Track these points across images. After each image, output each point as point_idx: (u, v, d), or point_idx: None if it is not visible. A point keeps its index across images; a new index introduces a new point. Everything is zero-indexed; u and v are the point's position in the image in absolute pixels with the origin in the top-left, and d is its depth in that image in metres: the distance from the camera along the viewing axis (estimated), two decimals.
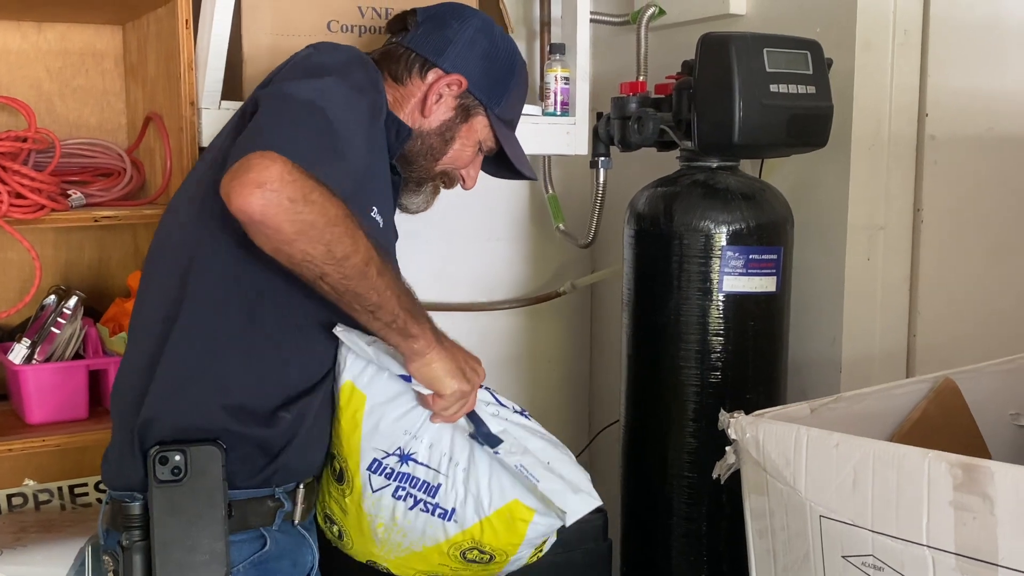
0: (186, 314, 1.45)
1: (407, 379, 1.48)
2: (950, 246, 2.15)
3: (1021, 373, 1.77)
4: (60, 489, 2.17)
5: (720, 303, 1.96)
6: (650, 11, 2.43)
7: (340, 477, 1.56)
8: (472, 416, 1.52)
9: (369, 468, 1.51)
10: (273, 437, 1.48)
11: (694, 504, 2.01)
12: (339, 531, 1.62)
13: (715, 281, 1.96)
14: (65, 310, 1.94)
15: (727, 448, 1.48)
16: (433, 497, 1.51)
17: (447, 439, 1.51)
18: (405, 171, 1.70)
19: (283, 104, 1.39)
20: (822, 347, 2.18)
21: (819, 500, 1.35)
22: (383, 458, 1.51)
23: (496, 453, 1.49)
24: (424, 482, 1.51)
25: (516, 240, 2.80)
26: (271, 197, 1.25)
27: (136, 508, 1.44)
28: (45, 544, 1.92)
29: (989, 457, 1.67)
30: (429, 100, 1.66)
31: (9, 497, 2.12)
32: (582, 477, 1.53)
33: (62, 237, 2.18)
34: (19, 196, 1.79)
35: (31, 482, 2.15)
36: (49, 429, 1.92)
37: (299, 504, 1.53)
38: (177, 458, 1.41)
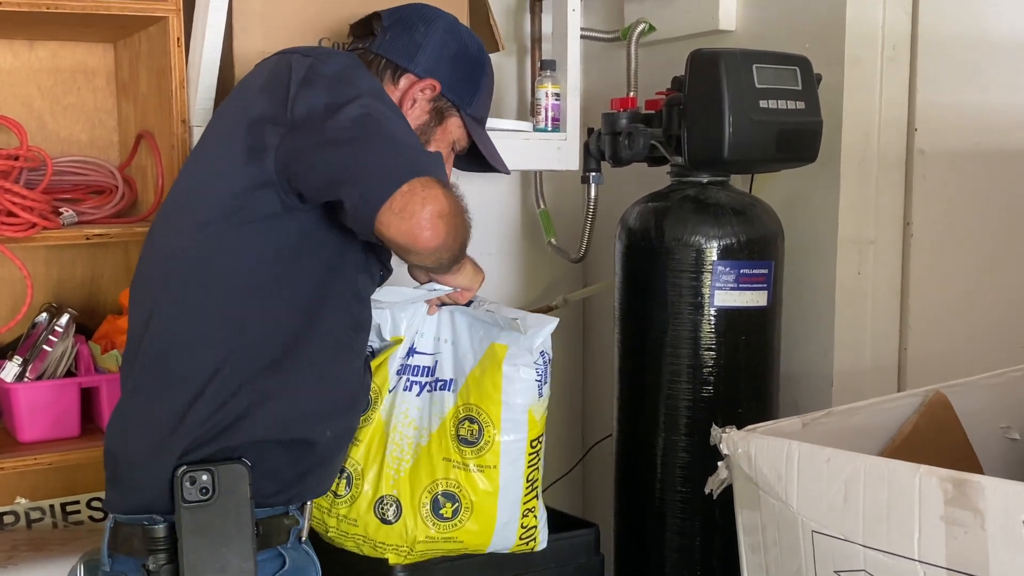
0: (234, 339, 1.44)
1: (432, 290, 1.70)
2: (940, 259, 2.16)
3: (1012, 386, 1.78)
4: (52, 507, 2.17)
5: (712, 318, 1.97)
6: (640, 27, 2.45)
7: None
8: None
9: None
10: (309, 456, 1.48)
11: (687, 519, 2.01)
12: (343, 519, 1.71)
13: (706, 296, 1.96)
14: (57, 327, 1.94)
15: (719, 463, 1.48)
16: (432, 376, 1.75)
17: (435, 324, 1.77)
18: None
19: (367, 129, 1.40)
20: (814, 361, 2.19)
21: (811, 515, 1.35)
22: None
23: (471, 307, 1.75)
24: (425, 367, 1.75)
25: (508, 255, 2.80)
26: (453, 222, 1.37)
27: (161, 530, 1.42)
28: (37, 562, 1.91)
29: (981, 471, 1.67)
30: (404, 106, 1.65)
31: (1, 515, 2.12)
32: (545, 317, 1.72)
33: (54, 254, 2.18)
34: (10, 214, 1.79)
35: (23, 500, 2.14)
36: (41, 447, 1.92)
37: (306, 520, 1.54)
38: (205, 478, 1.39)
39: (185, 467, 1.39)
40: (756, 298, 1.99)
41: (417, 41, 1.67)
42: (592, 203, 2.40)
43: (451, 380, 1.74)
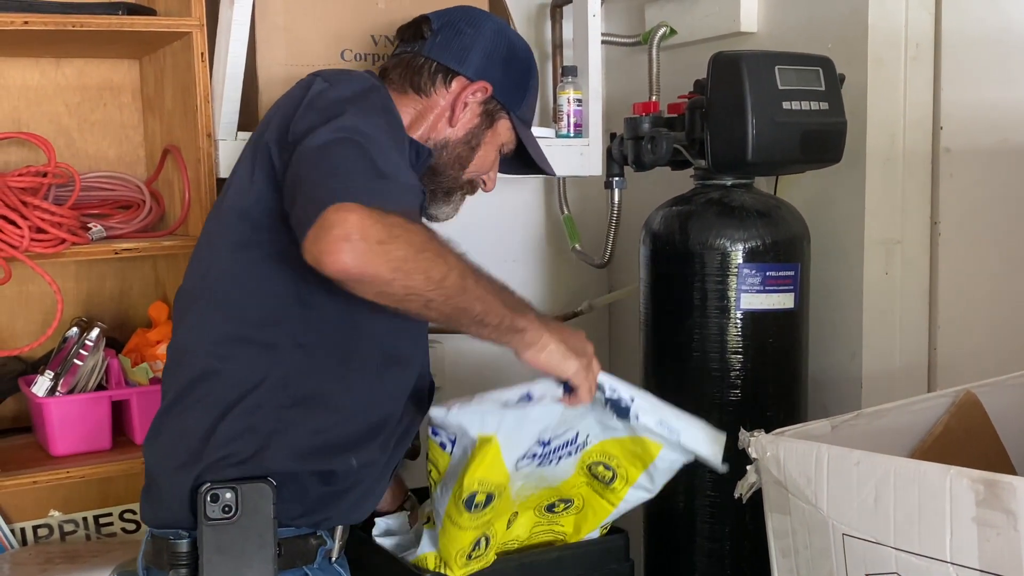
0: (263, 365, 1.44)
1: (528, 398, 1.51)
2: (968, 258, 2.14)
3: None
4: (85, 520, 2.19)
5: (738, 321, 1.96)
6: (661, 31, 2.44)
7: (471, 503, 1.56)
8: (600, 387, 1.56)
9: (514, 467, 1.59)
10: (335, 483, 1.47)
11: (716, 524, 2.00)
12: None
13: (732, 299, 1.96)
14: (87, 342, 1.96)
15: (748, 467, 1.47)
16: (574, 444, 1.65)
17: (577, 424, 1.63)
18: (432, 184, 1.67)
19: (322, 155, 1.36)
20: (842, 363, 2.18)
21: (841, 518, 1.34)
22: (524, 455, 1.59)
23: (631, 419, 1.59)
24: (563, 443, 1.64)
25: (533, 261, 2.80)
26: (360, 247, 1.24)
27: (184, 546, 1.42)
28: (71, 574, 1.93)
29: (1013, 471, 1.65)
30: (456, 110, 1.65)
31: (35, 528, 2.14)
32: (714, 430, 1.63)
33: (83, 269, 2.21)
34: (40, 231, 1.81)
35: (56, 513, 2.16)
36: (73, 460, 1.94)
37: (338, 541, 1.53)
38: (228, 495, 1.39)
39: (209, 484, 1.40)
40: (783, 300, 1.98)
41: (467, 44, 1.66)
42: (616, 208, 2.40)
43: (588, 436, 1.66)
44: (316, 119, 1.41)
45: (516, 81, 1.70)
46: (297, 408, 1.44)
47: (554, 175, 1.81)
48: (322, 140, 1.37)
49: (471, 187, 1.75)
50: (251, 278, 1.46)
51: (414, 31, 1.70)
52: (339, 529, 1.54)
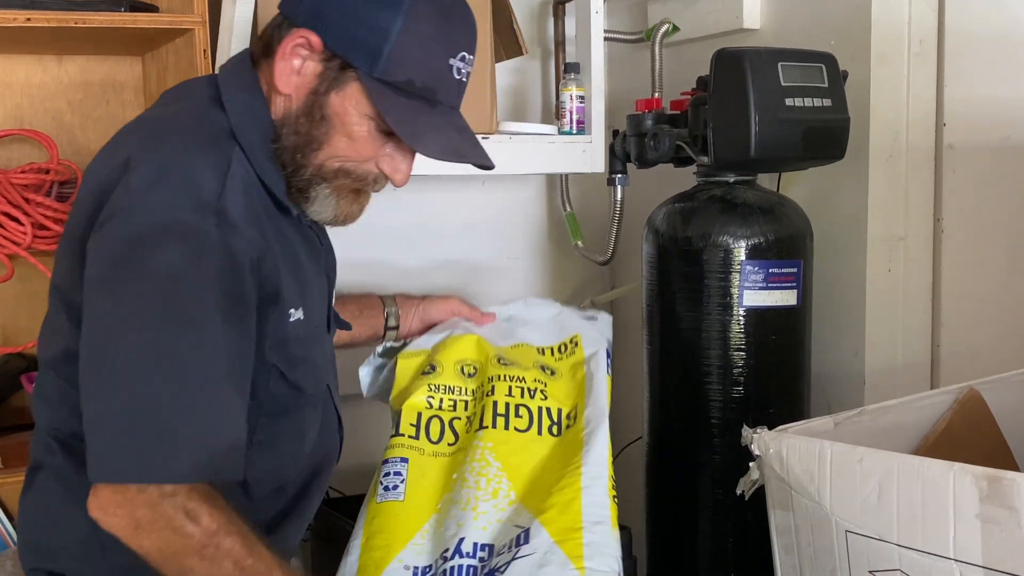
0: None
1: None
2: (971, 255, 2.13)
3: None
4: None
5: (741, 318, 1.96)
6: (664, 28, 2.44)
7: None
8: None
9: None
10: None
11: (719, 520, 2.00)
12: None
13: (735, 296, 1.96)
14: None
15: (751, 464, 1.47)
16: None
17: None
18: (292, 180, 1.34)
19: (101, 380, 1.18)
20: (845, 360, 2.17)
21: (844, 515, 1.34)
22: None
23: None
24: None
25: (535, 259, 2.80)
26: (135, 542, 1.16)
27: None
28: None
29: (1016, 467, 1.65)
30: (280, 69, 1.29)
31: None
32: None
33: None
34: (42, 228, 1.82)
35: None
36: None
37: None
38: None
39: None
40: (786, 297, 1.98)
41: None
42: (618, 205, 2.40)
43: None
44: (103, 290, 1.20)
45: (361, 25, 1.25)
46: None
47: (477, 164, 1.39)
48: (106, 348, 1.18)
49: (355, 179, 1.35)
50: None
51: None
52: None
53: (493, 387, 1.68)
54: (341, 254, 1.68)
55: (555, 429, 1.69)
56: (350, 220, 1.41)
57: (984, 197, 2.11)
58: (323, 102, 1.28)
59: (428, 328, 1.86)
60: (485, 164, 1.41)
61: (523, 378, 1.71)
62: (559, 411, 1.72)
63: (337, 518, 2.04)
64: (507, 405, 1.66)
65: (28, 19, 1.79)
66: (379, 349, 1.86)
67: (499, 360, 1.74)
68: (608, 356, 1.81)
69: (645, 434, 2.16)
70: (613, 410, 3.04)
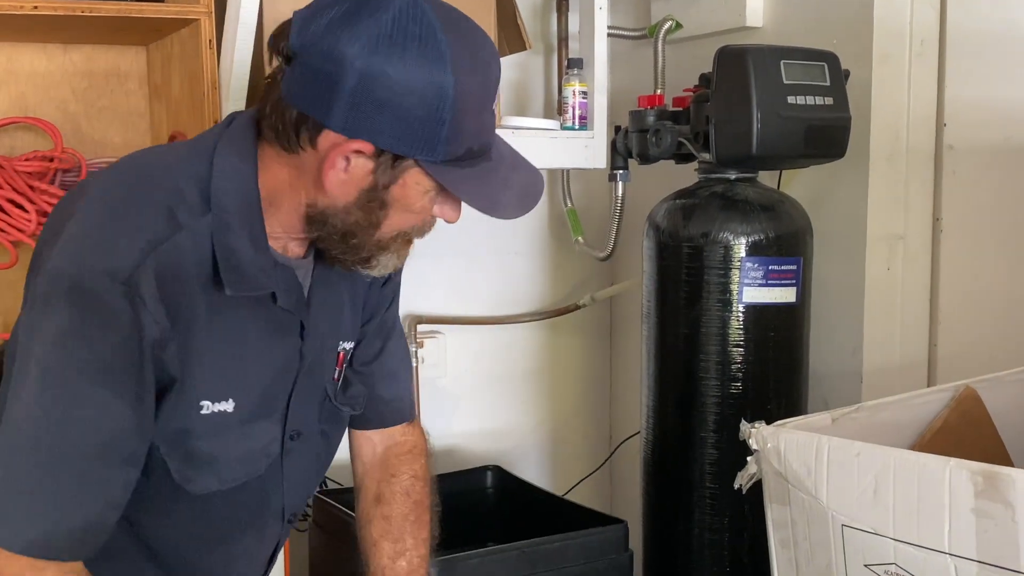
0: None
1: None
2: (970, 255, 2.15)
3: None
4: None
5: (740, 314, 1.97)
6: (667, 25, 2.45)
7: None
8: None
9: None
10: None
11: (716, 515, 2.01)
12: None
13: (735, 292, 1.97)
14: None
15: (748, 458, 1.48)
16: None
17: None
18: (339, 252, 1.29)
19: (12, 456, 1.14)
20: (843, 357, 2.18)
21: (841, 509, 1.35)
22: None
23: None
24: None
25: (535, 254, 2.81)
26: None
27: None
28: None
29: (1011, 465, 1.66)
30: (327, 173, 1.19)
31: None
32: None
33: None
34: (46, 215, 1.82)
35: None
36: None
37: None
38: None
39: None
40: (785, 294, 1.99)
41: (333, 80, 1.13)
42: (620, 201, 2.41)
43: None
44: (15, 340, 1.21)
45: (419, 122, 1.15)
46: None
47: (513, 216, 1.29)
48: (2, 404, 1.17)
49: (406, 238, 1.30)
50: None
51: (277, 44, 1.21)
52: None
53: None
54: None
55: None
56: (397, 267, 1.36)
57: (984, 197, 2.12)
58: (382, 195, 1.21)
59: None
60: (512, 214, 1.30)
61: None
62: None
63: (338, 509, 2.05)
64: None
65: (35, 7, 1.80)
66: None
67: None
68: None
69: (643, 429, 2.17)
70: (612, 406, 3.07)
